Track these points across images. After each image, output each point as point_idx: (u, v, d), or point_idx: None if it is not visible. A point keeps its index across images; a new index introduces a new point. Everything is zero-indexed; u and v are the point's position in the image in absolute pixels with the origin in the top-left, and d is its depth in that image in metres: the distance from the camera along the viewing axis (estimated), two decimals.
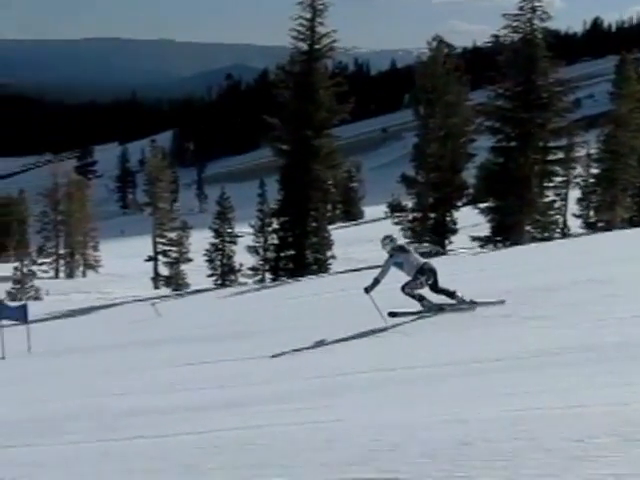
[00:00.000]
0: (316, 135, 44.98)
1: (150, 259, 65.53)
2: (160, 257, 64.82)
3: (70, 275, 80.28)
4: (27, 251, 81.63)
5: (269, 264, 48.65)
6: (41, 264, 74.73)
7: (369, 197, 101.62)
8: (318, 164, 44.72)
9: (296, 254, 45.52)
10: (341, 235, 54.49)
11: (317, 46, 45.77)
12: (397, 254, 13.30)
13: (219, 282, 53.73)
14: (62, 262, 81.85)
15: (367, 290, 13.32)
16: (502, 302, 13.28)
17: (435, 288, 13.42)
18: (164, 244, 65.16)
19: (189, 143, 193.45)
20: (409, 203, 47.27)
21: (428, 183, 45.44)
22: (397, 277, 13.69)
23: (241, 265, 52.94)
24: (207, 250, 55.69)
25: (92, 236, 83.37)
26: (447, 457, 4.90)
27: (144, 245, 68.67)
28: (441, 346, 11.04)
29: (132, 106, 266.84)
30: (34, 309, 21.36)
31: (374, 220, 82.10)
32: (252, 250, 50.01)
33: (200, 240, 59.22)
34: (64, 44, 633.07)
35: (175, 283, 60.09)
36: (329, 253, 45.69)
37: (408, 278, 13.31)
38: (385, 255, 13.63)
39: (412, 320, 13.60)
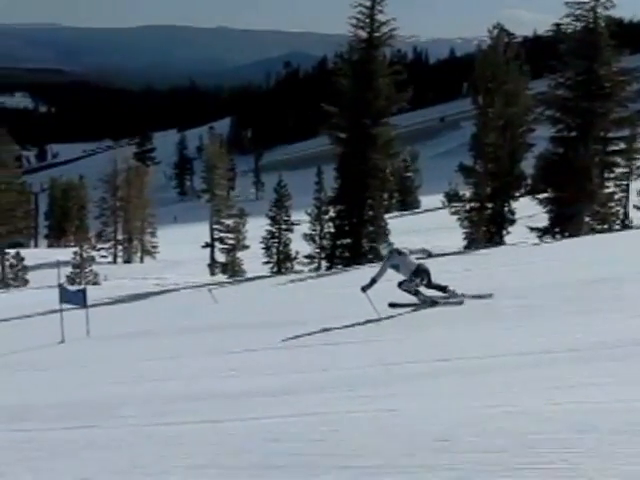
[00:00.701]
0: (374, 123, 44.82)
1: (207, 246, 65.99)
2: (217, 244, 65.27)
3: (128, 261, 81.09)
4: (86, 236, 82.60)
5: (325, 252, 48.67)
6: (100, 249, 75.59)
7: (426, 186, 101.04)
8: (376, 152, 44.56)
9: (352, 243, 45.43)
10: (397, 224, 54.28)
11: (376, 34, 45.57)
12: (393, 257, 14.50)
13: (275, 269, 53.92)
14: (120, 248, 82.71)
15: (364, 289, 14.31)
16: (490, 296, 14.40)
17: (429, 285, 14.54)
18: (221, 231, 65.58)
19: (247, 131, 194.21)
20: (467, 193, 46.85)
21: (486, 173, 44.98)
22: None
23: (297, 253, 53.09)
24: (263, 237, 55.93)
25: (150, 222, 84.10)
26: (507, 449, 4.84)
27: (201, 232, 69.15)
28: (496, 337, 10.92)
29: (190, 93, 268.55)
30: (92, 294, 21.58)
31: (431, 210, 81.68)
32: (308, 238, 50.10)
33: (257, 227, 59.49)
34: (125, 32, 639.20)
35: (231, 270, 60.41)
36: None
37: (404, 278, 14.46)
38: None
39: (464, 311, 13.64)
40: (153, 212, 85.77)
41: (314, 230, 50.67)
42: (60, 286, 21.57)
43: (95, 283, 55.06)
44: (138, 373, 12.57)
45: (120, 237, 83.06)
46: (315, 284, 31.69)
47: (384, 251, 15.26)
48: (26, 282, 59.32)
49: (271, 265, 55.02)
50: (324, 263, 48.23)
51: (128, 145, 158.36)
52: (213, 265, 63.46)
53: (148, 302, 33.97)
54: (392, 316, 14.31)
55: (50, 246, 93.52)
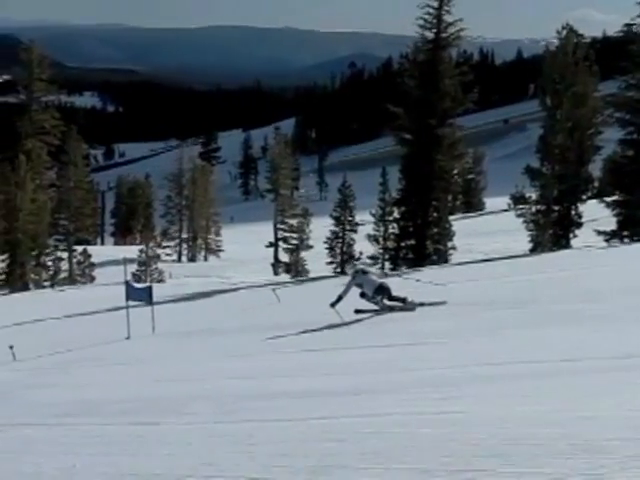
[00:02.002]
0: (440, 124, 44.62)
1: (271, 245, 66.30)
2: (281, 243, 65.53)
3: (192, 259, 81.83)
4: (152, 234, 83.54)
5: (389, 253, 48.57)
6: (165, 247, 76.36)
7: (490, 188, 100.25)
8: (441, 154, 44.37)
9: (416, 244, 45.27)
10: (462, 226, 53.89)
11: (443, 35, 45.37)
12: (358, 276, 16.43)
13: (339, 270, 53.94)
14: (185, 246, 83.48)
15: (332, 305, 16.25)
16: (444, 303, 16.21)
17: (390, 299, 16.44)
18: (285, 230, 65.83)
19: (311, 131, 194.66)
20: (533, 195, 46.33)
21: (553, 175, 44.46)
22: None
23: (361, 253, 53.03)
24: (327, 238, 56.00)
25: (214, 221, 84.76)
26: (580, 454, 4.76)
27: (265, 231, 69.49)
28: (569, 341, 10.76)
29: (256, 93, 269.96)
30: (157, 291, 21.79)
31: (495, 212, 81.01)
32: (372, 239, 50.06)
33: (320, 227, 59.56)
34: (193, 32, 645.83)
35: (295, 270, 60.58)
36: (450, 244, 45.29)
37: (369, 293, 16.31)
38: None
39: (536, 315, 13.52)
40: (218, 211, 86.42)
41: (378, 231, 50.61)
42: (126, 283, 21.82)
43: (160, 281, 55.64)
44: (205, 371, 12.65)
45: (185, 235, 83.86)
46: None
47: (350, 270, 17.21)
48: (93, 279, 60.21)
49: (334, 265, 55.05)
50: (387, 264, 48.11)
51: (194, 144, 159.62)
52: (277, 264, 63.71)
53: (212, 300, 34.20)
54: (467, 316, 14.25)
55: (116, 244, 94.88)
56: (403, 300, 16.35)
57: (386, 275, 18.90)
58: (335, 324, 16.46)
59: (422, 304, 16.25)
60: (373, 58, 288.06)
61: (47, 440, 8.41)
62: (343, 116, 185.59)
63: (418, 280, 19.67)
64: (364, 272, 16.58)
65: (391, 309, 16.24)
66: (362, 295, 16.27)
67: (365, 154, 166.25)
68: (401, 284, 18.92)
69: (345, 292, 16.27)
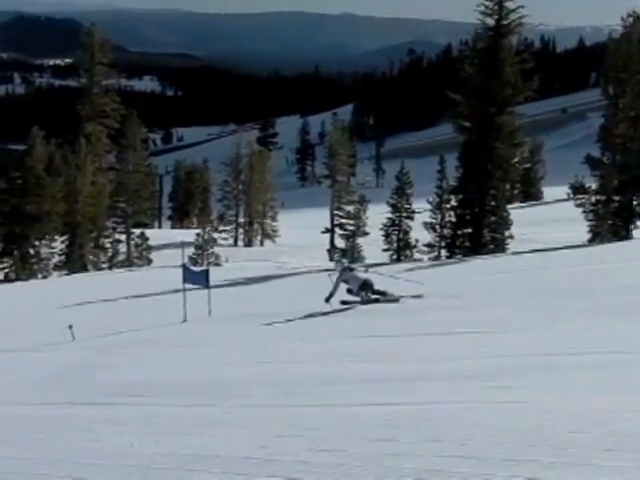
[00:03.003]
0: (499, 112, 44.19)
1: (327, 231, 66.30)
2: (337, 230, 65.47)
3: (248, 244, 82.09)
4: (209, 218, 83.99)
5: (445, 241, 48.26)
6: (221, 232, 76.67)
7: (549, 178, 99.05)
8: (500, 142, 43.93)
9: (473, 232, 44.93)
10: (519, 215, 53.31)
11: (504, 22, 44.86)
12: (345, 273, 17.83)
13: (394, 257, 53.79)
14: (241, 231, 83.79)
15: (327, 300, 17.46)
16: (421, 296, 17.61)
17: (374, 293, 17.80)
18: (341, 217, 65.76)
19: (369, 117, 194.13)
20: (592, 185, 45.70)
21: (614, 165, 43.77)
22: None
23: (417, 241, 52.79)
24: (384, 225, 55.80)
25: (271, 206, 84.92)
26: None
27: (321, 217, 69.48)
28: (634, 333, 10.62)
29: (314, 79, 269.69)
30: (214, 275, 21.91)
31: (554, 201, 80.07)
32: (429, 226, 49.79)
33: (377, 214, 59.39)
34: (253, 18, 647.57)
35: (351, 256, 60.54)
36: (507, 233, 44.89)
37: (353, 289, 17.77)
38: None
39: (598, 307, 13.40)
40: (274, 196, 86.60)
41: (435, 219, 50.32)
42: (184, 266, 21.96)
43: (216, 265, 55.87)
44: (262, 355, 12.71)
45: (241, 220, 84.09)
46: (435, 273, 31.49)
47: (337, 268, 18.25)
48: (150, 261, 60.70)
49: (390, 252, 54.88)
50: (444, 252, 47.85)
51: (252, 130, 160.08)
52: (332, 250, 63.69)
53: (268, 285, 34.29)
54: (522, 306, 14.14)
55: (173, 227, 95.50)
56: (383, 293, 17.75)
57: (366, 270, 19.80)
58: (388, 311, 16.45)
59: (401, 297, 17.66)
60: (432, 45, 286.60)
61: (107, 419, 8.53)
62: (401, 103, 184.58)
63: (391, 276, 20.46)
64: (349, 269, 18.08)
65: (376, 301, 17.57)
66: (349, 291, 17.78)
67: (423, 141, 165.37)
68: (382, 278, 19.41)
69: (335, 288, 17.58)
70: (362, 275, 18.16)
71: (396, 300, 17.55)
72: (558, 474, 4.52)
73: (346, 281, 17.79)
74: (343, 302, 17.84)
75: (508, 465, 4.78)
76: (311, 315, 17.74)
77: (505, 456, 4.99)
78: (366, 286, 17.73)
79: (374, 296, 17.71)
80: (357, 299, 17.85)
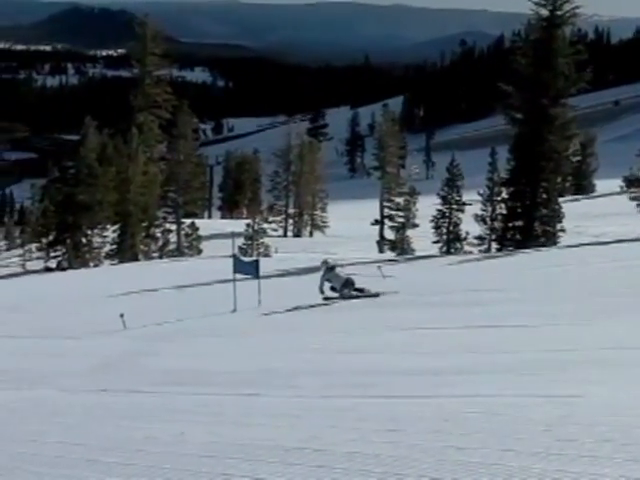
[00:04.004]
0: (552, 104, 43.68)
1: (376, 223, 66.19)
2: (386, 221, 65.33)
3: (298, 234, 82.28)
4: (258, 209, 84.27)
5: (496, 234, 47.89)
6: (271, 222, 76.90)
7: (602, 171, 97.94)
8: (552, 134, 43.44)
9: (524, 225, 44.52)
10: (571, 208, 52.83)
11: (558, 12, 44.32)
12: (328, 273, 19.31)
13: (444, 249, 53.56)
14: (290, 221, 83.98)
15: (321, 291, 19.19)
16: (396, 292, 19.06)
17: (355, 290, 19.21)
18: (391, 208, 65.59)
19: (419, 109, 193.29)
20: None
21: None
22: None
23: (467, 233, 52.50)
24: (433, 217, 55.57)
25: (320, 197, 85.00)
26: None
27: (371, 208, 69.41)
28: None
29: (365, 70, 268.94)
30: (263, 265, 22.00)
31: (607, 194, 79.19)
32: (479, 219, 49.49)
33: (427, 206, 59.17)
34: (304, 8, 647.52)
35: (400, 248, 60.35)
36: (558, 226, 44.45)
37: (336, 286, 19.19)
38: None
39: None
40: (324, 188, 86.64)
41: (485, 211, 49.99)
42: (234, 256, 22.06)
43: (266, 255, 56.08)
44: (312, 345, 12.71)
45: (291, 211, 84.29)
46: (486, 265, 31.29)
47: (322, 268, 19.67)
48: (200, 251, 61.09)
49: (440, 245, 54.66)
50: (494, 245, 47.52)
51: (302, 121, 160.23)
52: (382, 242, 63.58)
53: (317, 276, 34.29)
54: (576, 300, 14.00)
55: (223, 218, 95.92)
56: (362, 290, 19.18)
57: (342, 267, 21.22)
58: (432, 303, 16.38)
59: (377, 294, 19.01)
60: (484, 36, 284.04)
61: (157, 407, 8.60)
62: (452, 94, 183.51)
63: (358, 274, 21.29)
64: (332, 268, 19.46)
65: (357, 297, 18.98)
66: (332, 288, 19.22)
67: (474, 133, 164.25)
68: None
69: (321, 286, 19.19)
70: (343, 274, 19.61)
71: (375, 296, 18.89)
72: (620, 470, 4.46)
73: (329, 280, 19.28)
74: (325, 298, 19.18)
75: (565, 460, 4.74)
76: (356, 307, 17.74)
77: (562, 451, 4.94)
78: (348, 284, 19.19)
79: (355, 293, 19.15)
80: (336, 295, 19.23)
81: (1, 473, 6.24)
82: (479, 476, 4.69)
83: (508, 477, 4.61)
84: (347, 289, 19.19)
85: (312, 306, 19.09)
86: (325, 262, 20.20)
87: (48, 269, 59.73)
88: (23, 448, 7.13)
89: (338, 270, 19.72)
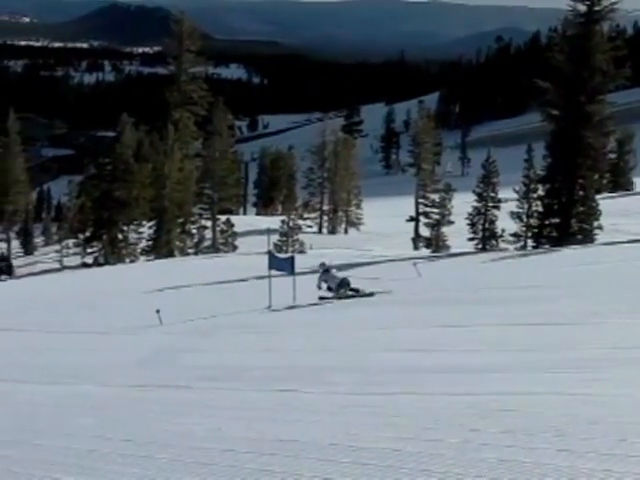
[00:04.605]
0: (589, 101, 43.37)
1: (411, 219, 66.09)
2: (421, 218, 65.21)
3: (332, 231, 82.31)
4: (293, 206, 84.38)
5: (532, 231, 47.65)
6: (306, 219, 76.98)
7: None
8: (589, 131, 43.14)
9: (561, 222, 44.27)
10: (609, 206, 52.37)
11: (596, 7, 43.96)
12: (324, 274, 20.41)
13: (480, 246, 53.35)
14: (325, 218, 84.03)
15: (319, 287, 20.28)
16: (390, 292, 20.19)
17: (350, 290, 20.18)
18: (426, 205, 65.46)
19: (455, 105, 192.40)
20: None
21: None
22: None
23: (503, 230, 52.26)
24: (469, 214, 55.36)
25: (355, 194, 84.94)
26: None
27: (406, 205, 69.29)
28: None
29: (400, 67, 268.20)
30: (298, 262, 22.04)
31: None
32: (515, 216, 49.24)
33: (462, 203, 58.96)
34: (339, 5, 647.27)
35: (435, 245, 60.25)
36: (595, 223, 44.14)
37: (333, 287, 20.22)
38: None
39: None
40: (359, 184, 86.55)
41: (521, 208, 49.72)
42: (269, 253, 22.14)
43: (301, 252, 56.20)
44: (347, 342, 12.72)
45: (326, 208, 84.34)
46: (522, 262, 31.14)
47: (320, 269, 20.79)
48: (235, 248, 61.30)
49: (476, 242, 54.44)
50: (530, 242, 47.26)
51: (337, 117, 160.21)
52: (417, 239, 63.49)
53: (352, 272, 34.27)
54: (614, 297, 13.88)
55: (258, 214, 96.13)
56: (357, 290, 20.16)
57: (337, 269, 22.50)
58: (472, 300, 16.31)
59: (372, 293, 20.04)
60: (520, 32, 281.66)
61: (195, 403, 8.65)
62: (488, 91, 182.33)
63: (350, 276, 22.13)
64: (327, 270, 20.58)
65: (352, 297, 19.88)
66: (329, 289, 20.21)
67: (510, 130, 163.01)
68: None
69: (319, 285, 20.33)
70: (339, 275, 20.81)
71: (370, 295, 19.90)
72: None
73: (326, 280, 20.35)
74: (321, 297, 20.12)
75: (606, 459, 4.71)
76: (391, 303, 17.72)
77: (604, 450, 4.91)
78: (343, 284, 20.26)
79: (350, 292, 20.15)
80: (331, 295, 20.20)
81: (54, 469, 6.32)
82: (519, 475, 4.67)
83: (555, 477, 4.59)
84: (343, 289, 20.16)
85: (344, 303, 19.12)
86: (322, 264, 21.23)
87: (85, 265, 60.27)
88: (76, 443, 7.21)
89: (334, 272, 20.82)
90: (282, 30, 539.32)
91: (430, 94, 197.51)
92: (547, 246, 42.38)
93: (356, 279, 21.57)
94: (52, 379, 11.96)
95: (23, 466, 6.58)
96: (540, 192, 46.75)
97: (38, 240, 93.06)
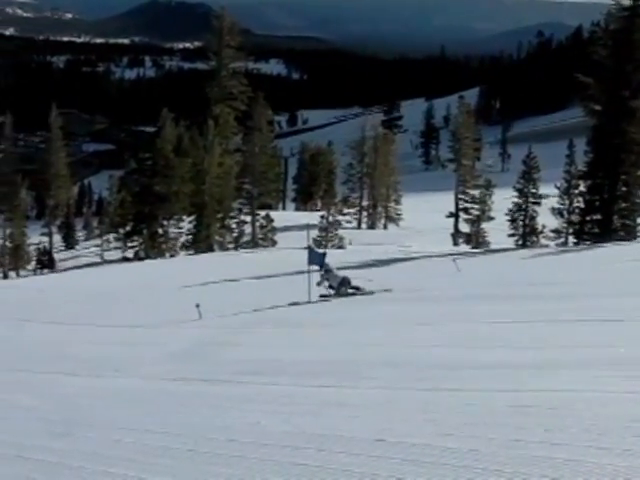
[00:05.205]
0: (633, 96, 42.85)
1: (451, 215, 65.78)
2: (461, 214, 64.91)
3: (372, 227, 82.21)
4: (333, 201, 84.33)
5: (573, 227, 47.26)
6: (345, 214, 76.90)
7: None
8: (633, 126, 42.64)
9: (603, 219, 43.85)
10: None
11: None
12: (327, 274, 20.72)
13: (520, 242, 53.01)
14: (365, 213, 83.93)
15: (318, 284, 20.64)
16: (390, 290, 20.38)
17: (351, 288, 20.68)
18: (466, 201, 65.13)
19: (495, 101, 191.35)
20: None
21: None
22: None
23: (544, 227, 51.86)
24: (509, 209, 55.00)
25: (395, 189, 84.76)
26: None
27: (445, 201, 69.03)
28: None
29: (441, 62, 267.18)
30: (337, 257, 22.24)
31: None
32: (556, 212, 48.84)
33: (502, 199, 58.63)
34: (377, 0, 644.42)
35: (475, 241, 59.96)
36: (638, 220, 43.68)
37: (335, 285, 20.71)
38: None
39: None
40: (398, 180, 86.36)
41: (562, 204, 49.32)
42: (308, 248, 22.19)
43: (340, 247, 56.21)
44: (385, 337, 12.68)
45: (365, 203, 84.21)
46: (562, 259, 30.93)
47: (322, 269, 20.89)
48: (274, 243, 61.40)
49: (516, 238, 54.07)
50: (571, 238, 46.89)
51: (376, 113, 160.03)
52: (456, 235, 63.24)
53: (392, 268, 34.26)
54: None
55: (297, 209, 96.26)
56: (358, 288, 20.71)
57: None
58: (512, 296, 16.20)
59: (372, 292, 20.50)
60: (562, 27, 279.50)
61: (235, 396, 8.68)
62: (529, 86, 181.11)
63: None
64: (330, 271, 20.88)
65: (353, 294, 20.41)
66: (331, 287, 20.70)
67: (551, 125, 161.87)
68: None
69: (321, 283, 20.73)
70: (340, 274, 21.11)
71: (370, 293, 20.40)
72: None
73: (328, 279, 20.81)
74: (322, 296, 20.61)
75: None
76: (431, 299, 17.66)
77: (636, 448, 4.86)
78: (344, 282, 20.78)
79: (351, 290, 20.66)
80: (332, 293, 20.72)
81: (105, 462, 6.39)
82: (564, 473, 4.63)
83: (597, 475, 4.55)
84: (344, 287, 20.67)
85: (381, 298, 19.11)
86: (325, 264, 21.35)
87: (125, 259, 60.77)
88: (124, 436, 7.28)
89: (335, 271, 21.12)
90: (322, 25, 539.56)
91: (470, 89, 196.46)
92: (588, 242, 42.02)
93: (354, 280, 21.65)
94: (95, 372, 12.07)
95: (74, 458, 6.66)
96: (582, 188, 46.33)
97: (79, 234, 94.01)
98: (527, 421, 5.87)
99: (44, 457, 6.86)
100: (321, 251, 23.41)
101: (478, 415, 6.30)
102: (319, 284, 20.68)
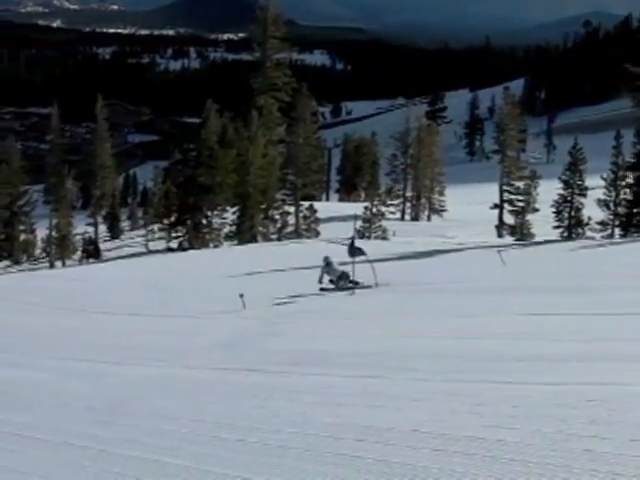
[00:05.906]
0: None
1: (496, 207, 65.33)
2: (506, 205, 64.42)
3: (415, 218, 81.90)
4: (376, 192, 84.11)
5: (619, 219, 46.74)
6: (389, 205, 76.67)
7: None
8: None
9: None
10: None
11: None
12: (326, 267, 21.57)
13: (565, 234, 52.53)
14: (408, 205, 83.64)
15: (320, 281, 21.44)
16: (387, 284, 20.65)
17: (350, 282, 21.03)
18: (510, 193, 64.61)
19: (540, 92, 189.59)
20: None
21: None
22: None
23: (589, 219, 51.32)
24: (555, 201, 54.47)
25: (439, 181, 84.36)
26: None
27: (490, 192, 68.55)
28: None
29: (485, 52, 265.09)
30: (381, 248, 22.39)
31: None
32: (602, 204, 48.31)
33: (547, 191, 58.10)
34: None
35: (520, 232, 59.49)
36: None
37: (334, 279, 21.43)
38: None
39: None
40: (442, 171, 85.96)
41: (609, 196, 48.75)
42: (352, 239, 22.33)
43: (384, 238, 56.10)
44: (429, 329, 12.66)
45: (409, 194, 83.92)
46: (608, 251, 30.63)
47: (323, 263, 21.70)
48: (317, 234, 61.40)
49: (561, 230, 53.56)
50: (618, 231, 46.38)
51: (421, 103, 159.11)
52: (501, 227, 62.79)
53: (435, 260, 34.14)
54: None
55: (340, 200, 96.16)
56: (357, 283, 20.94)
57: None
58: (555, 288, 16.06)
59: (370, 286, 20.70)
60: (610, 16, 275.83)
61: (279, 387, 8.72)
62: (575, 77, 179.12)
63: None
64: (330, 264, 21.61)
65: (352, 288, 20.71)
66: (331, 281, 21.39)
67: (597, 116, 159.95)
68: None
69: (321, 278, 21.50)
70: (340, 268, 21.73)
71: (368, 287, 20.68)
72: None
73: (328, 273, 21.53)
74: (322, 289, 21.22)
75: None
76: (472, 290, 17.58)
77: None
78: (343, 277, 21.34)
79: (350, 284, 21.01)
80: (332, 286, 21.30)
81: (148, 449, 6.47)
82: (609, 466, 4.61)
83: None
84: (342, 281, 21.25)
85: (420, 289, 19.07)
86: (325, 258, 22.03)
87: (170, 249, 61.13)
88: (166, 425, 7.35)
89: (335, 265, 21.78)
90: (366, 16, 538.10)
91: (515, 80, 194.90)
92: (636, 235, 41.57)
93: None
94: (140, 361, 12.19)
95: (117, 445, 6.74)
96: (629, 180, 45.83)
97: (124, 224, 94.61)
98: (572, 413, 5.84)
99: (88, 444, 6.96)
100: (359, 242, 23.53)
101: (522, 407, 6.28)
102: (320, 280, 21.34)
